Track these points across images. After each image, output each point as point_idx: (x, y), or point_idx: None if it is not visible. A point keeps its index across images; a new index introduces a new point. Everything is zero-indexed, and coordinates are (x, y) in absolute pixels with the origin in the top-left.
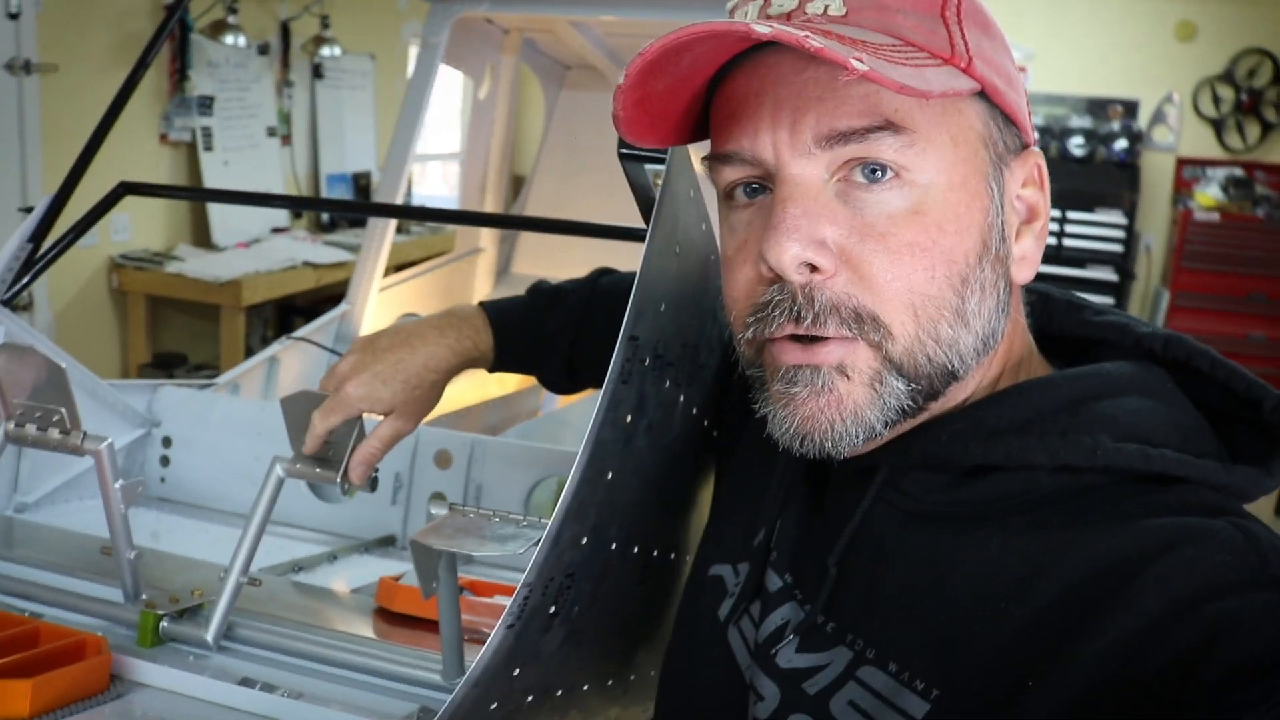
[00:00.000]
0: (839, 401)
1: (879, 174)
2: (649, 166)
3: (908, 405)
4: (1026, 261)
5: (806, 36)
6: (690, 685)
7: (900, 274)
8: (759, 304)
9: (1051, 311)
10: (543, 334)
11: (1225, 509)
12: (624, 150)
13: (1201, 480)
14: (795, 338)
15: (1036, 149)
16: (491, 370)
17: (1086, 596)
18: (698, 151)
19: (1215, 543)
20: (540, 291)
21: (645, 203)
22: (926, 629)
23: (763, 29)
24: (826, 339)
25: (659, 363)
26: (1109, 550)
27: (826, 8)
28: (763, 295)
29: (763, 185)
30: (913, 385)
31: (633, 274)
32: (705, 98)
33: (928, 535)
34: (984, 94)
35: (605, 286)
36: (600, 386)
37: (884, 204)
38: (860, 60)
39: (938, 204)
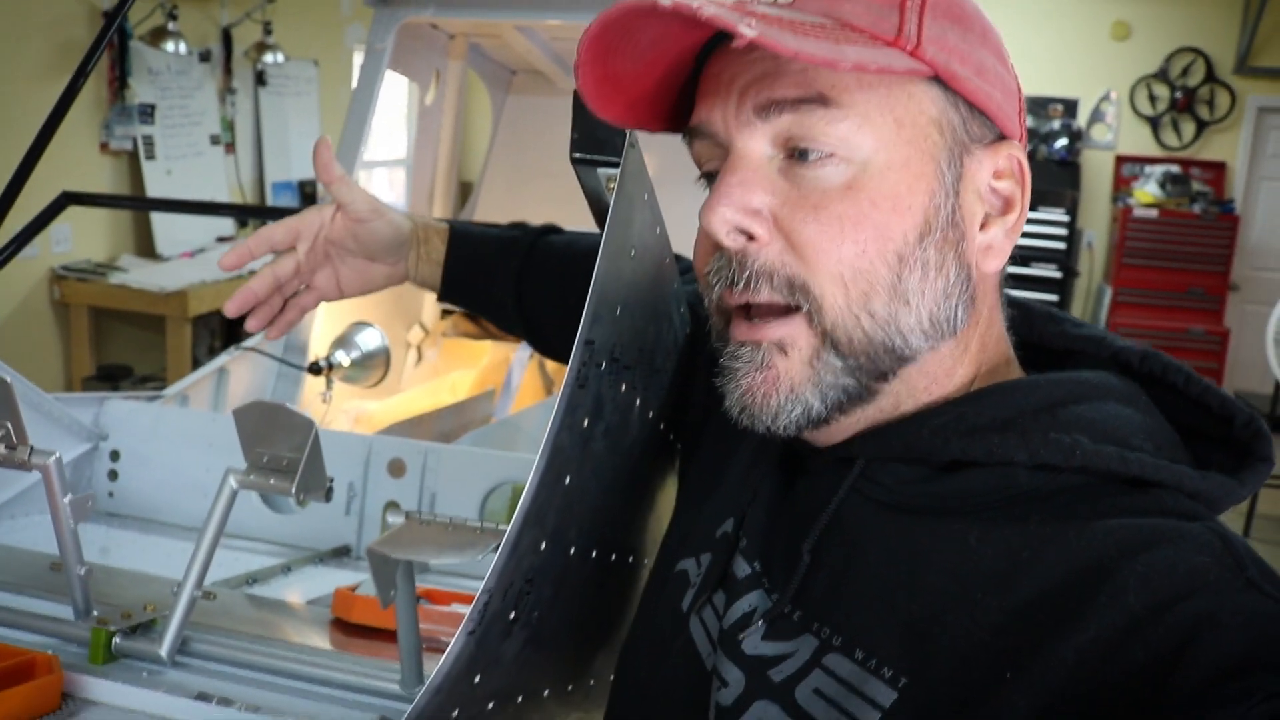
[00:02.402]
0: (776, 378)
1: (808, 155)
2: (602, 170)
3: (849, 384)
4: (993, 251)
5: (701, 7)
6: (649, 677)
7: (829, 246)
8: (704, 272)
9: (1031, 323)
10: (488, 277)
11: (1198, 514)
12: (576, 155)
13: (1176, 485)
14: (745, 314)
15: (1016, 143)
16: (441, 298)
17: (1067, 592)
18: (649, 155)
19: (1193, 544)
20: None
21: (597, 206)
22: (897, 617)
23: (665, 1)
24: (769, 319)
25: (615, 366)
26: (1088, 547)
27: None
28: (708, 264)
29: None
30: (850, 362)
31: (577, 234)
32: (692, 85)
33: (902, 525)
34: (942, 80)
35: (543, 247)
36: (550, 352)
37: (820, 179)
38: (750, 26)
39: (873, 181)
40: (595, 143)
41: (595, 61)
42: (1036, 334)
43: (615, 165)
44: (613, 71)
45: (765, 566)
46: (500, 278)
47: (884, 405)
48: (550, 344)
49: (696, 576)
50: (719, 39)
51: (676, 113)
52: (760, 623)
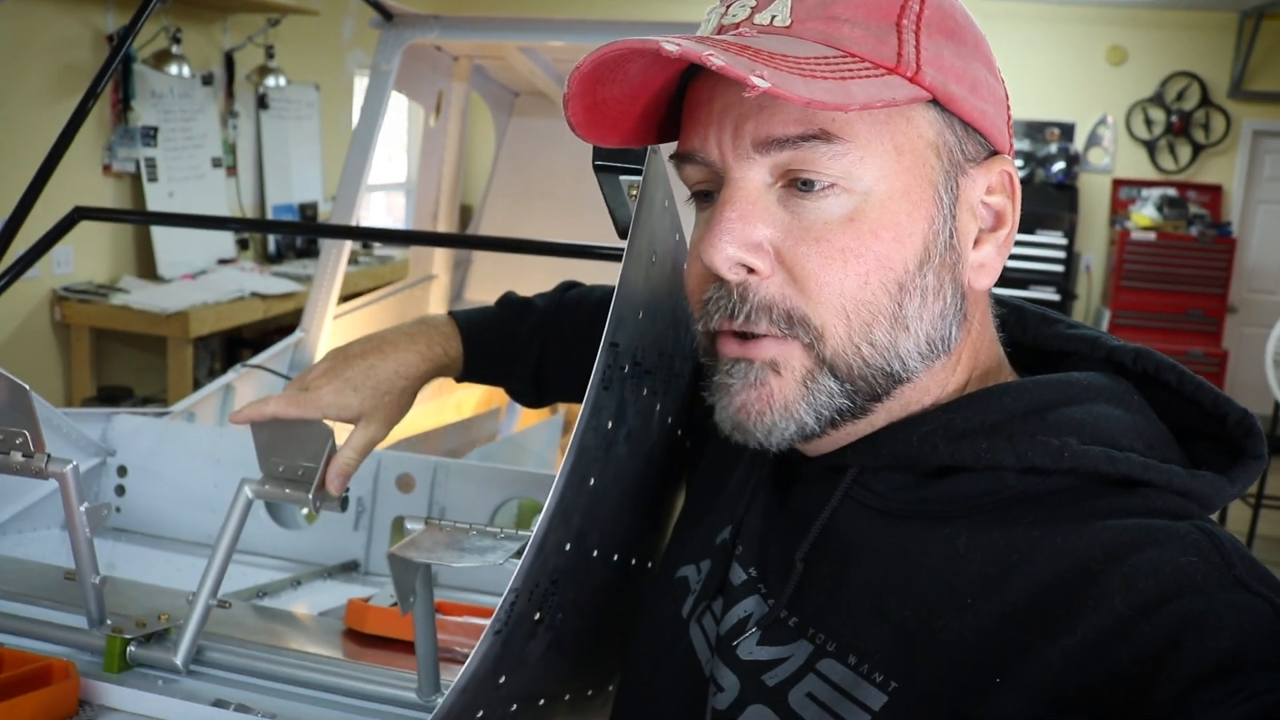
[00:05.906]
0: (770, 396)
1: (811, 186)
2: (623, 178)
3: (843, 405)
4: (986, 269)
5: (711, 54)
6: (651, 682)
7: (832, 279)
8: (703, 300)
9: (1025, 324)
10: (511, 344)
11: (1188, 513)
12: (599, 162)
13: (1165, 485)
14: (736, 332)
15: (1006, 156)
16: (460, 380)
17: (1054, 596)
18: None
19: (1179, 544)
20: (510, 302)
21: (616, 215)
22: (889, 623)
23: (670, 46)
24: (762, 336)
25: (638, 370)
26: (1074, 550)
27: (774, 19)
28: (706, 291)
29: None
30: (847, 385)
31: (599, 286)
32: (679, 97)
33: (894, 532)
34: (938, 102)
35: (572, 298)
36: (566, 399)
37: (821, 210)
38: (762, 77)
39: (875, 211)
40: (616, 150)
41: (585, 93)
42: (1031, 336)
43: (636, 173)
44: (603, 98)
45: (761, 573)
46: (522, 338)
47: (875, 421)
48: (556, 385)
49: (696, 583)
50: None
51: (662, 125)
52: (755, 629)
